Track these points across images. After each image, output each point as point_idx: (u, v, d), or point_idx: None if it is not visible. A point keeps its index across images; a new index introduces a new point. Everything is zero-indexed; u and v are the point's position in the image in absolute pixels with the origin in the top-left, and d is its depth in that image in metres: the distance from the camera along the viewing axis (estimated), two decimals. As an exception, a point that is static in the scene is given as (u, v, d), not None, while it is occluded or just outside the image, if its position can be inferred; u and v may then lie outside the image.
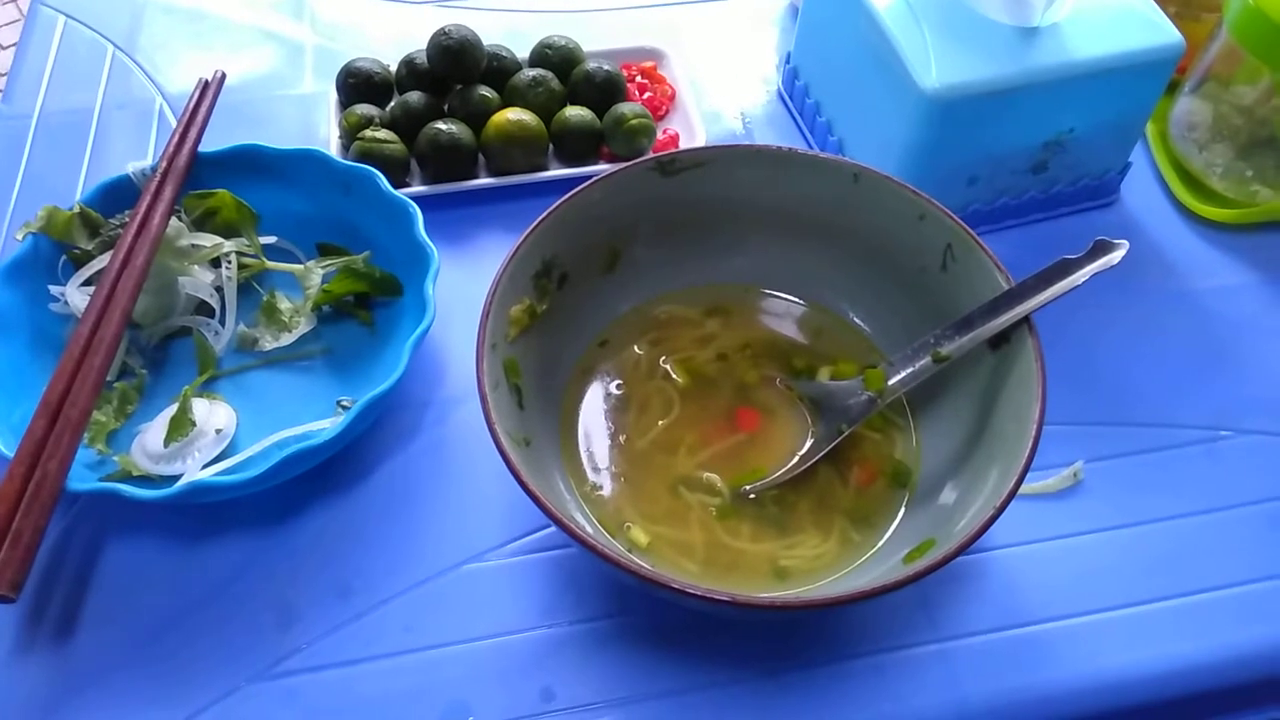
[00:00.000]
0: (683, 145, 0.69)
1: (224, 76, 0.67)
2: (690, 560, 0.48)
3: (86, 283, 0.56)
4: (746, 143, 0.63)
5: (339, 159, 0.60)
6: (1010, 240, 0.65)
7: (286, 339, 0.57)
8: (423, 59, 0.69)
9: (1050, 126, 0.60)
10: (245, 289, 0.59)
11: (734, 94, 0.75)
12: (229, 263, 0.58)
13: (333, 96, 0.70)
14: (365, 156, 0.63)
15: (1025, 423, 0.43)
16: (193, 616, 0.49)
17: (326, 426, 0.51)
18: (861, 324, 0.56)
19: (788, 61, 0.72)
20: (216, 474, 0.50)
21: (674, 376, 0.54)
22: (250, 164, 0.60)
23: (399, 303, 0.58)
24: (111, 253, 0.55)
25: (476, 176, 0.66)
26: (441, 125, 0.65)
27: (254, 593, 0.49)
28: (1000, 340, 0.48)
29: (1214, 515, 0.53)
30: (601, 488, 0.50)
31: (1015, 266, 0.48)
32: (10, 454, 0.47)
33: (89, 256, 0.56)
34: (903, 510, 0.49)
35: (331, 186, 0.60)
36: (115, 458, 0.51)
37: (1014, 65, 0.56)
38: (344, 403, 0.55)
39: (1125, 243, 0.48)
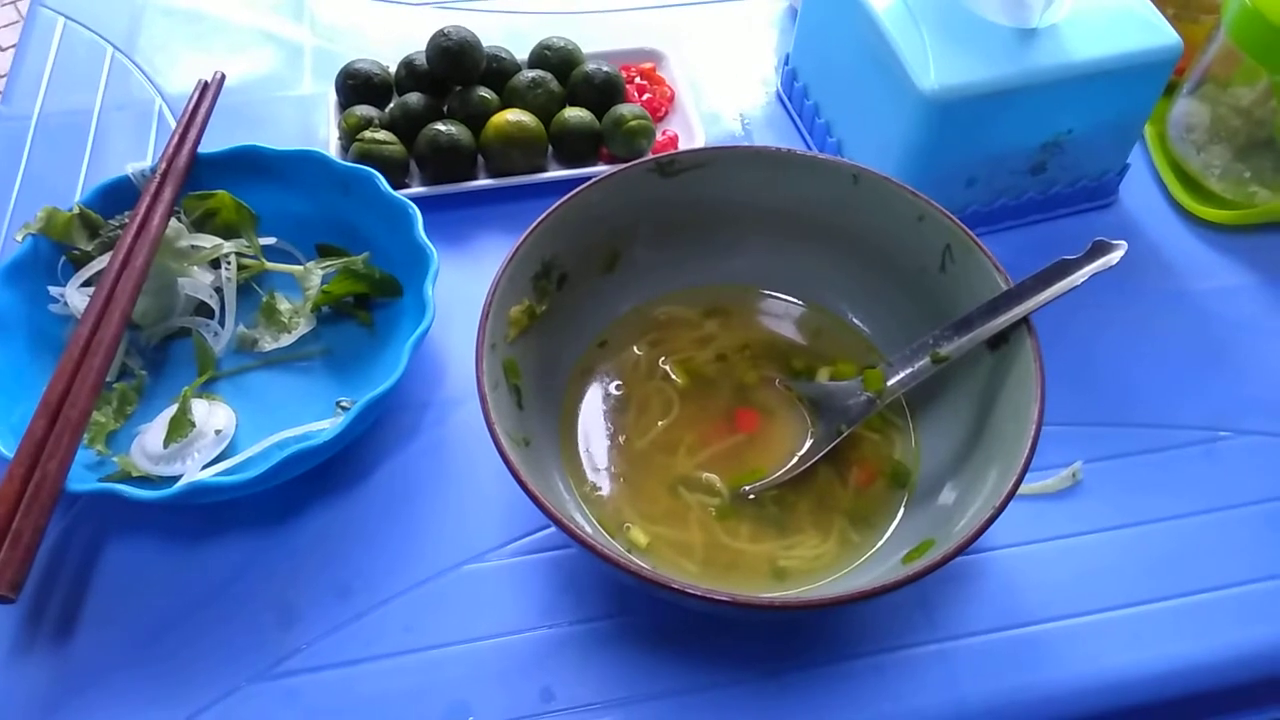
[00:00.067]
0: (682, 146, 0.69)
1: (223, 78, 0.67)
2: (690, 561, 0.48)
3: (86, 284, 0.56)
4: (745, 144, 0.63)
5: (338, 160, 0.60)
6: (1009, 241, 0.65)
7: (286, 340, 0.57)
8: (422, 60, 0.69)
9: (1049, 128, 0.60)
10: (245, 290, 0.59)
11: (733, 95, 0.75)
12: (228, 264, 0.58)
13: (332, 98, 0.70)
14: (364, 158, 0.63)
15: (1024, 423, 0.43)
16: (193, 617, 0.49)
17: (326, 427, 0.51)
18: (861, 325, 0.56)
19: (787, 63, 0.73)
20: (216, 475, 0.50)
21: (673, 377, 0.54)
22: (250, 165, 0.61)
23: (398, 304, 0.58)
24: (111, 254, 0.55)
25: (476, 178, 0.66)
26: (441, 126, 0.65)
27: (254, 593, 0.49)
28: (999, 341, 0.48)
29: (1213, 515, 0.53)
30: (601, 488, 0.50)
31: (1014, 267, 0.48)
32: (10, 454, 0.47)
33: (88, 257, 0.56)
34: (902, 510, 0.49)
35: (331, 188, 0.60)
36: (115, 458, 0.51)
37: (1012, 66, 0.56)
38: (343, 403, 0.55)
39: (1124, 243, 0.48)
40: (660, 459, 0.51)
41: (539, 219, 0.49)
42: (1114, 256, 0.48)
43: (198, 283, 0.57)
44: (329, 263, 0.58)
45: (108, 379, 0.53)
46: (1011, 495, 0.41)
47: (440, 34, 0.67)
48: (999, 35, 0.57)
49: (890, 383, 0.51)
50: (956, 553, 0.40)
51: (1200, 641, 0.49)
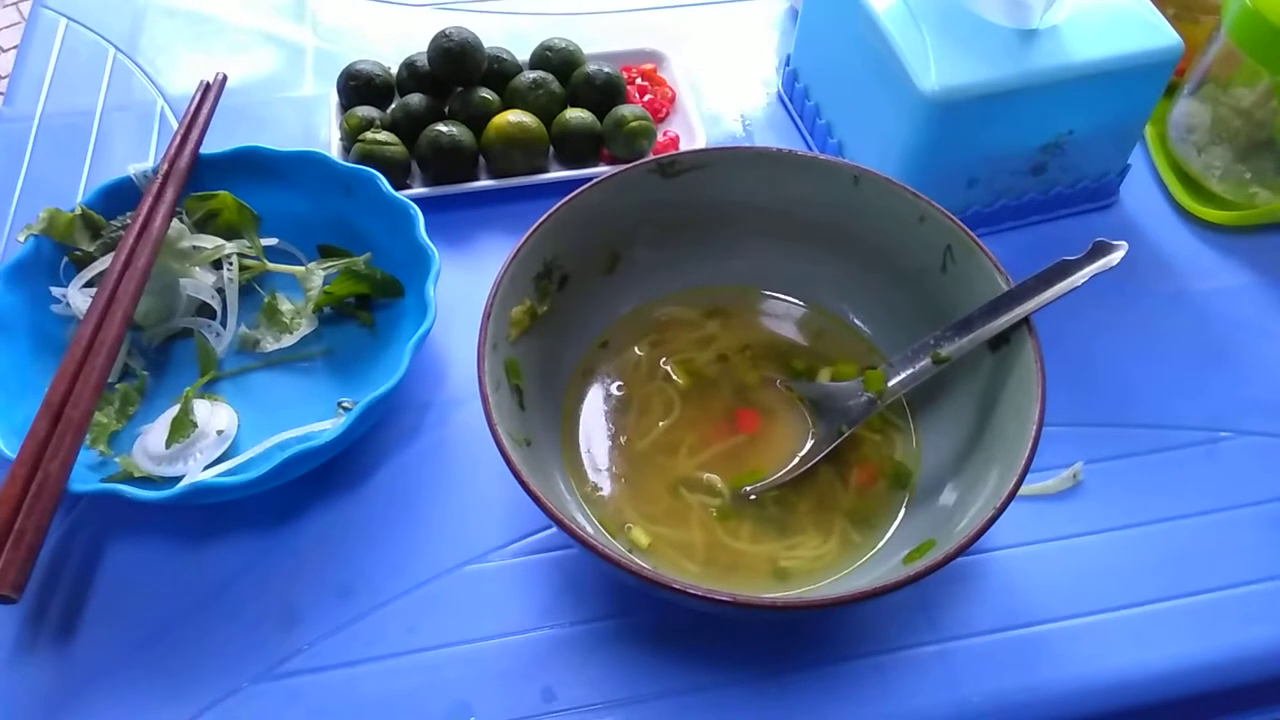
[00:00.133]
0: (683, 147, 0.69)
1: (225, 79, 0.67)
2: (691, 561, 0.48)
3: (88, 284, 0.56)
4: (747, 145, 0.63)
5: (340, 161, 0.60)
6: (1010, 242, 0.65)
7: (288, 340, 0.57)
8: (423, 61, 0.69)
9: (1049, 128, 0.60)
10: (246, 291, 0.59)
11: (734, 96, 0.75)
12: (230, 264, 0.58)
13: (333, 99, 0.70)
14: (366, 158, 0.63)
15: (1025, 424, 0.43)
16: (194, 617, 0.49)
17: (328, 428, 0.51)
18: (861, 325, 0.56)
19: (787, 64, 0.73)
20: (218, 475, 0.50)
21: (674, 378, 0.54)
22: (251, 166, 0.61)
23: (400, 304, 0.58)
24: (113, 254, 0.55)
25: (477, 178, 0.66)
26: (442, 127, 0.65)
27: (256, 593, 0.49)
28: (1000, 341, 0.48)
29: (1214, 516, 0.53)
30: (602, 488, 0.50)
31: (1015, 268, 0.48)
32: (12, 455, 0.47)
33: (90, 258, 0.57)
34: (903, 511, 0.49)
35: (333, 188, 0.60)
36: (117, 459, 0.51)
37: (1013, 67, 0.56)
38: (345, 404, 0.55)
39: (1124, 244, 0.48)
40: (661, 459, 0.51)
41: (540, 220, 0.49)
42: (1115, 257, 0.48)
43: (200, 283, 0.57)
44: (330, 263, 0.58)
45: (110, 380, 0.53)
46: (1012, 496, 0.41)
47: (441, 35, 0.67)
48: (1000, 36, 0.57)
49: (891, 383, 0.51)
50: (957, 553, 0.40)
51: (1201, 642, 0.49)
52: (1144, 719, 0.48)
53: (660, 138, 0.69)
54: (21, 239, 0.56)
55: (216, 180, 0.60)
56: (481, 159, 0.67)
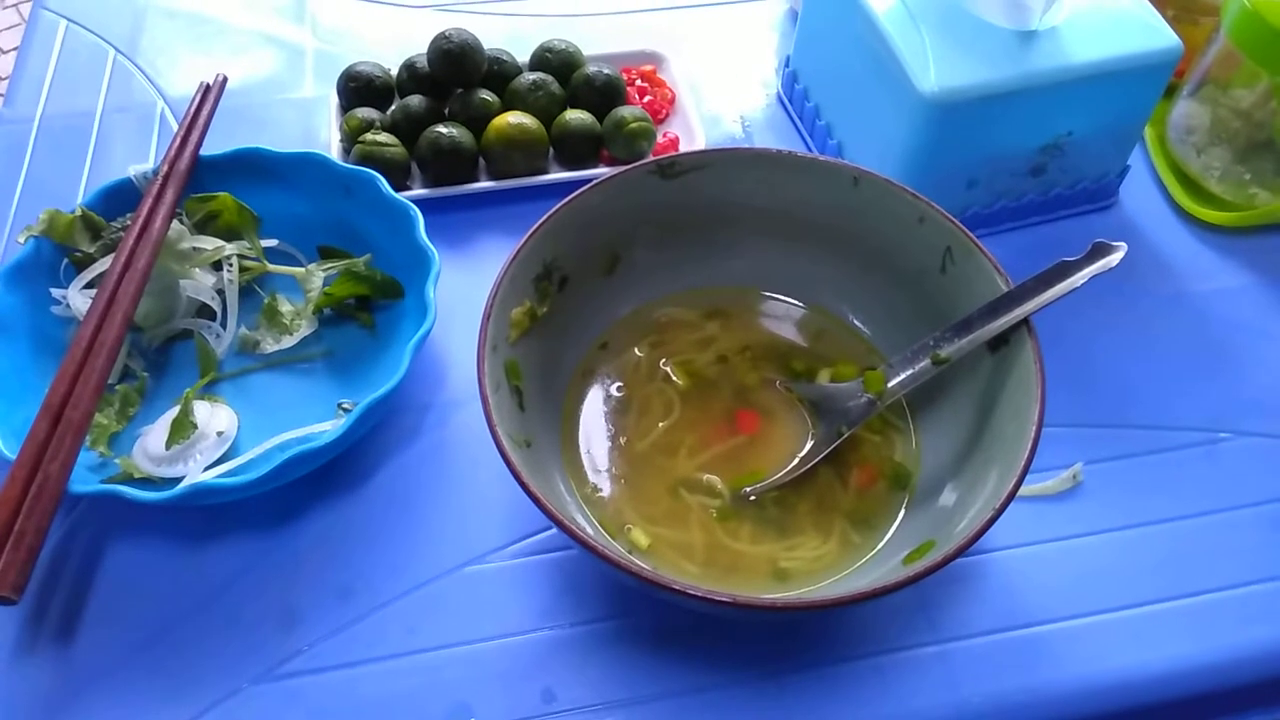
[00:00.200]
0: (682, 149, 0.69)
1: (225, 80, 0.67)
2: (690, 562, 0.48)
3: (88, 286, 0.56)
4: (746, 146, 0.63)
5: (340, 162, 0.60)
6: (1009, 243, 0.65)
7: (288, 342, 0.57)
8: (423, 63, 0.69)
9: (1049, 130, 0.60)
10: (246, 292, 0.59)
11: (734, 97, 0.75)
12: (230, 266, 0.58)
13: (333, 100, 0.70)
14: (366, 160, 0.63)
15: (1024, 424, 0.43)
16: (194, 618, 0.49)
17: (328, 429, 0.51)
18: (861, 326, 0.56)
19: (787, 65, 0.73)
20: (218, 476, 0.50)
21: (674, 379, 0.54)
22: (251, 167, 0.61)
23: (400, 305, 0.58)
24: (113, 256, 0.55)
25: (477, 180, 0.66)
26: (442, 129, 0.65)
27: (256, 594, 0.49)
28: (999, 342, 0.48)
29: (1213, 517, 0.53)
30: (602, 489, 0.50)
31: (1014, 269, 0.48)
32: (12, 456, 0.47)
33: (90, 259, 0.57)
34: (902, 512, 0.50)
35: (332, 190, 0.60)
36: (117, 460, 0.51)
37: (1012, 68, 0.56)
38: (345, 405, 0.55)
39: (1123, 245, 0.48)
40: (661, 460, 0.51)
41: (540, 221, 0.49)
42: (1114, 258, 0.48)
43: (200, 285, 0.57)
44: (330, 265, 0.58)
45: (110, 381, 0.53)
46: (1012, 496, 0.41)
47: (441, 36, 0.67)
48: (999, 37, 0.57)
49: (891, 384, 0.51)
50: (957, 554, 0.40)
51: (1201, 643, 0.49)
52: (1144, 719, 0.48)
53: (660, 139, 0.69)
54: (21, 240, 0.56)
55: (216, 182, 0.60)
56: (481, 160, 0.67)
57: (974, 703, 0.47)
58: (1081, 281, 0.48)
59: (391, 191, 0.58)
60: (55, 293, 0.56)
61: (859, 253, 0.54)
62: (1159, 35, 0.58)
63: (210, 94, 0.65)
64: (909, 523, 0.49)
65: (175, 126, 0.66)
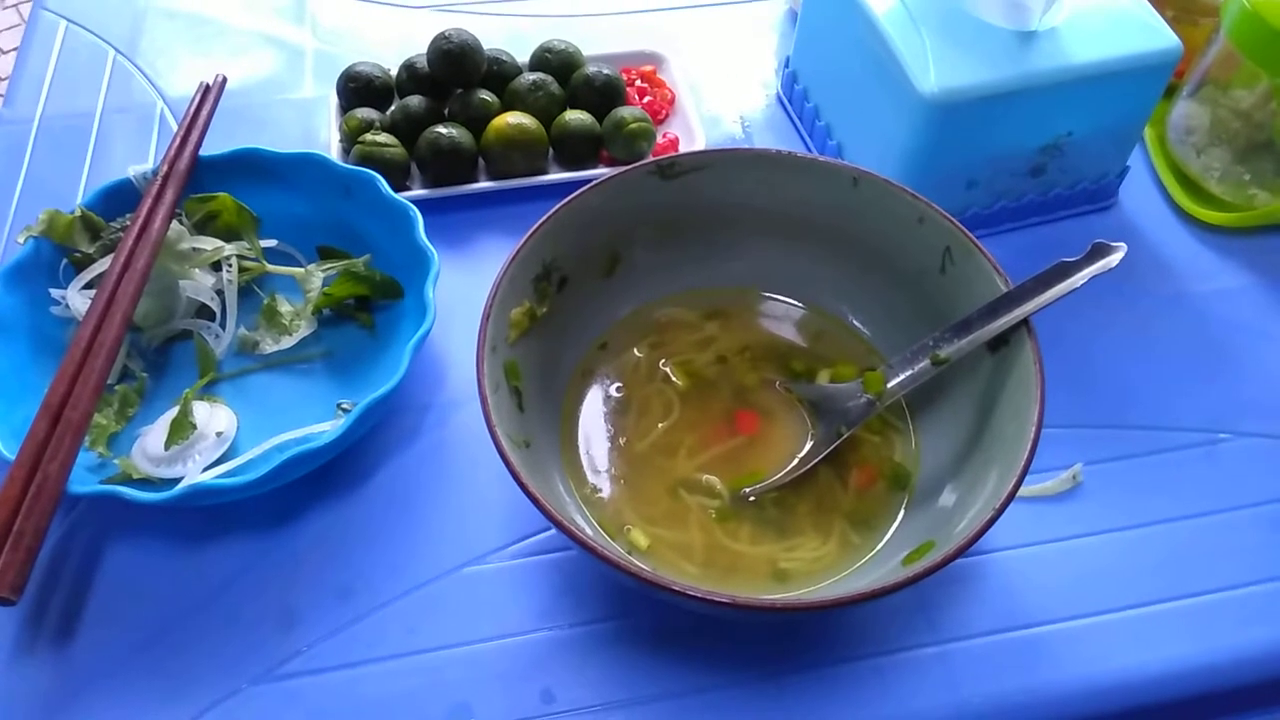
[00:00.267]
0: (682, 149, 0.69)
1: (225, 81, 0.67)
2: (690, 563, 0.48)
3: (88, 286, 0.56)
4: (746, 146, 0.63)
5: (339, 163, 0.60)
6: (1009, 243, 0.65)
7: (287, 342, 0.57)
8: (423, 63, 0.69)
9: (1048, 130, 0.60)
10: (246, 292, 0.59)
11: (733, 98, 0.75)
12: (230, 266, 0.58)
13: (333, 100, 0.70)
14: (366, 160, 0.63)
15: (1024, 425, 0.43)
16: (194, 619, 0.49)
17: (327, 429, 0.51)
18: (860, 327, 0.56)
19: (787, 65, 0.73)
20: (217, 477, 0.50)
21: (674, 379, 0.54)
22: (251, 168, 0.61)
23: (399, 306, 0.58)
24: (112, 256, 0.55)
25: (476, 180, 0.66)
26: (442, 129, 0.65)
27: (255, 595, 0.49)
28: (999, 343, 0.48)
29: (1213, 518, 0.53)
30: (601, 490, 0.50)
31: (1014, 269, 0.48)
32: (11, 456, 0.47)
33: (90, 260, 0.57)
34: (902, 512, 0.49)
35: (332, 190, 0.60)
36: (116, 460, 0.51)
37: (1012, 69, 0.56)
38: (344, 405, 0.55)
39: (1123, 245, 0.48)
40: (660, 461, 0.51)
41: (539, 221, 0.49)
42: (1113, 259, 0.48)
43: (199, 285, 0.57)
44: (330, 265, 0.58)
45: (109, 381, 0.53)
46: (1011, 497, 0.41)
47: (441, 37, 0.67)
48: (999, 38, 0.57)
49: (890, 385, 0.51)
50: (956, 554, 0.40)
51: (1201, 643, 0.49)
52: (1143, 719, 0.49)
53: (660, 139, 0.69)
54: (21, 240, 0.56)
55: (216, 182, 0.60)
56: (481, 161, 0.67)
57: (974, 703, 0.47)
58: (1081, 282, 0.48)
59: (391, 192, 0.58)
60: (54, 293, 0.56)
61: (859, 253, 0.54)
62: (1159, 36, 0.58)
63: (210, 94, 0.65)
64: (908, 523, 0.49)
65: (175, 127, 0.66)
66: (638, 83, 0.72)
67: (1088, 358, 0.59)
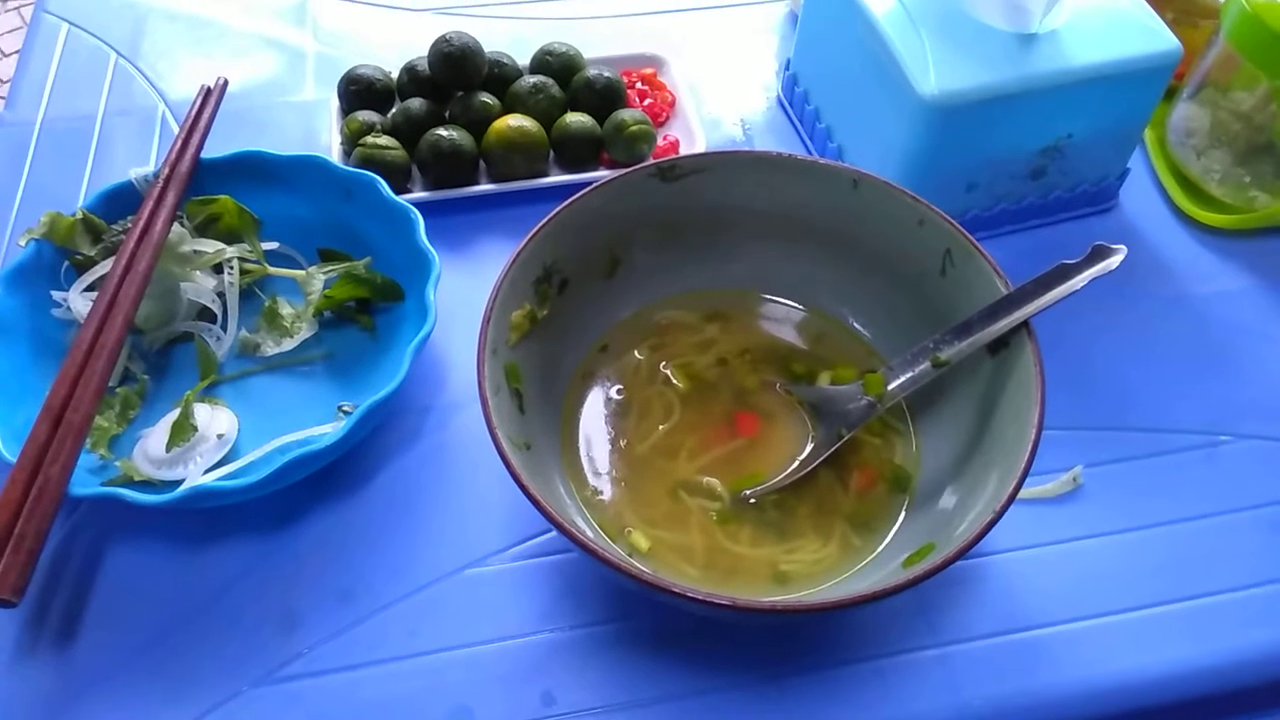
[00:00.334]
0: (683, 151, 0.69)
1: (226, 83, 0.67)
2: (690, 565, 0.48)
3: (89, 288, 0.56)
4: (746, 149, 0.63)
5: (340, 165, 0.60)
6: (1009, 246, 0.65)
7: (288, 344, 0.57)
8: (424, 66, 0.69)
9: (1049, 132, 0.60)
10: (247, 294, 0.59)
11: (734, 100, 0.75)
12: (231, 268, 0.58)
13: (334, 103, 0.70)
14: (367, 163, 0.63)
15: (1024, 427, 0.43)
16: (195, 621, 0.49)
17: (328, 431, 0.51)
18: (861, 329, 0.56)
19: (787, 68, 0.73)
20: (218, 479, 0.50)
21: (674, 381, 0.54)
22: (252, 170, 0.61)
23: (400, 308, 0.58)
24: (114, 258, 0.55)
25: (477, 183, 0.66)
26: (443, 132, 0.65)
27: (256, 597, 0.49)
28: (999, 345, 0.48)
29: (1214, 520, 0.53)
30: (602, 492, 0.50)
31: (1014, 272, 0.48)
32: (13, 459, 0.47)
33: (91, 262, 0.57)
34: (902, 515, 0.50)
35: (333, 192, 0.60)
36: (117, 463, 0.51)
37: (1012, 71, 0.56)
38: (345, 408, 0.55)
39: (1123, 248, 0.48)
40: (661, 463, 0.51)
41: (540, 224, 0.49)
42: (1114, 261, 0.48)
43: (200, 287, 0.57)
44: (331, 267, 0.58)
45: (110, 383, 0.53)
46: (1012, 499, 0.41)
47: (442, 40, 0.67)
48: (999, 40, 0.57)
49: (891, 387, 0.51)
50: (957, 557, 0.40)
51: (1201, 646, 0.49)
52: (1144, 723, 0.48)
53: (660, 142, 0.69)
54: (23, 243, 0.56)
55: (217, 184, 0.60)
56: (482, 163, 0.67)
57: (975, 706, 0.47)
58: (1081, 284, 0.48)
59: (392, 194, 0.58)
60: (56, 295, 0.56)
61: (859, 255, 0.54)
62: (1159, 38, 0.58)
63: (211, 97, 0.65)
64: (909, 526, 0.49)
65: (176, 129, 0.66)
66: (638, 85, 0.72)
67: (1088, 360, 0.59)
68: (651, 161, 0.53)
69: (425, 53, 0.69)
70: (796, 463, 0.51)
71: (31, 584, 0.45)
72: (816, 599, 0.46)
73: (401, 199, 0.58)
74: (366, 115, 0.67)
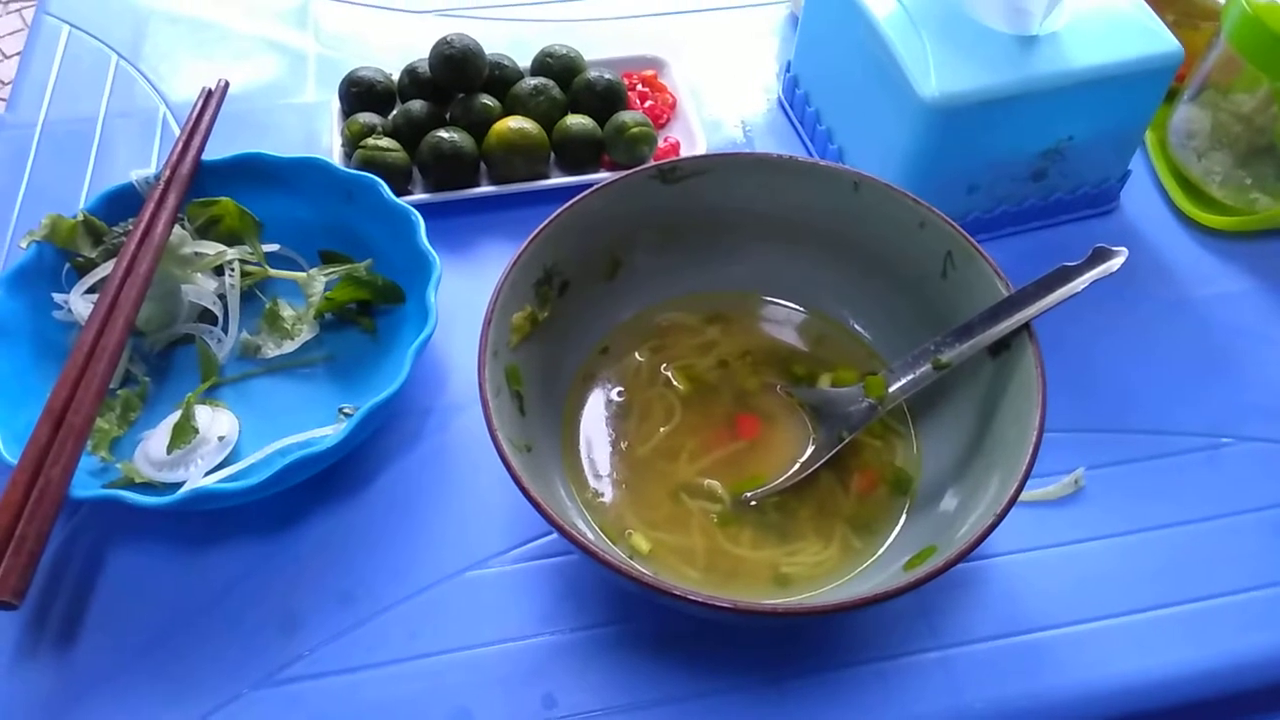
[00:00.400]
0: (683, 153, 0.69)
1: (227, 85, 0.67)
2: (691, 567, 0.48)
3: (90, 290, 0.56)
4: (747, 151, 0.63)
5: (341, 167, 0.60)
6: (1010, 248, 0.65)
7: (289, 346, 0.57)
8: (425, 68, 0.69)
9: (1049, 134, 0.60)
10: (248, 296, 0.59)
11: (735, 102, 0.75)
12: (232, 270, 0.58)
13: (335, 105, 0.70)
14: (367, 165, 0.63)
15: (1026, 429, 0.43)
16: (195, 623, 0.49)
17: (329, 434, 0.51)
18: (862, 331, 0.56)
19: (788, 70, 0.73)
20: (219, 481, 0.50)
21: (675, 383, 0.54)
22: (253, 172, 0.61)
23: (401, 310, 0.58)
24: (115, 260, 0.55)
25: (478, 184, 0.66)
26: (443, 134, 0.65)
27: (257, 599, 0.49)
28: (1000, 347, 0.48)
29: (1215, 522, 0.53)
30: (603, 494, 0.50)
31: (1015, 274, 0.48)
32: (14, 461, 0.47)
33: (92, 264, 0.57)
34: (904, 517, 0.49)
35: (334, 194, 0.60)
36: (118, 465, 0.51)
37: (1013, 73, 0.56)
38: (346, 410, 0.55)
39: (1124, 250, 0.48)
40: (662, 465, 0.51)
41: (541, 226, 0.49)
42: (1115, 263, 0.48)
43: (201, 289, 0.57)
44: (332, 269, 0.58)
45: (111, 385, 0.53)
46: (1013, 502, 0.41)
47: (443, 42, 0.67)
48: (1000, 42, 0.57)
49: (892, 389, 0.51)
50: (958, 559, 0.40)
51: (1203, 648, 0.49)
52: (1145, 725, 0.48)
53: (661, 144, 0.69)
54: (24, 245, 0.56)
55: (218, 186, 0.60)
56: (483, 165, 0.67)
57: (976, 708, 0.47)
58: (1082, 286, 0.48)
59: (393, 196, 0.58)
60: (57, 297, 0.56)
61: (860, 258, 0.54)
62: (1159, 40, 0.58)
63: (212, 99, 0.65)
64: (910, 528, 0.49)
65: (177, 131, 0.66)
66: (639, 87, 0.72)
67: (1089, 362, 0.59)
68: (652, 163, 0.53)
69: (426, 55, 0.69)
70: (797, 465, 0.51)
71: (32, 586, 0.45)
72: (817, 601, 0.46)
73: (402, 201, 0.58)
74: (367, 117, 0.67)
